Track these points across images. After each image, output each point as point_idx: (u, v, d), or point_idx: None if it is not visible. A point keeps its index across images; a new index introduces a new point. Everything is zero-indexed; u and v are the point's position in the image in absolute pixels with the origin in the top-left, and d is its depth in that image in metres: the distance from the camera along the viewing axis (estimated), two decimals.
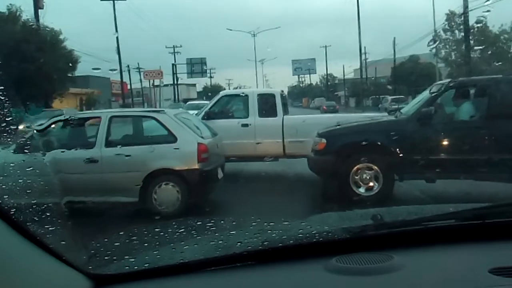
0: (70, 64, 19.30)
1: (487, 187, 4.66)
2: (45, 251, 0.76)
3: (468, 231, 1.02)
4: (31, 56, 15.65)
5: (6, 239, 0.70)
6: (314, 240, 0.98)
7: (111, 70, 24.02)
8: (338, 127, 5.50)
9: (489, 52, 24.79)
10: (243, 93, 8.05)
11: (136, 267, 0.94)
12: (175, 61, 38.13)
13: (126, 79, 32.00)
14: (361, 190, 4.96)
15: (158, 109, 6.07)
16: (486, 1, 12.59)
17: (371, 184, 4.93)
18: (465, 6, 16.40)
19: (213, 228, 1.22)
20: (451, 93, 5.37)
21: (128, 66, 32.16)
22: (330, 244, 0.97)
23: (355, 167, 4.92)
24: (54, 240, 0.83)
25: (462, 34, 20.87)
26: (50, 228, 0.89)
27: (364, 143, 4.97)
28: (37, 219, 0.89)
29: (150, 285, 0.88)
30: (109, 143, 4.66)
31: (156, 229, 1.06)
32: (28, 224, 0.77)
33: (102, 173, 4.53)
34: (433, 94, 5.31)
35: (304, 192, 5.32)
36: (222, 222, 1.34)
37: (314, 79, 61.44)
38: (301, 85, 68.37)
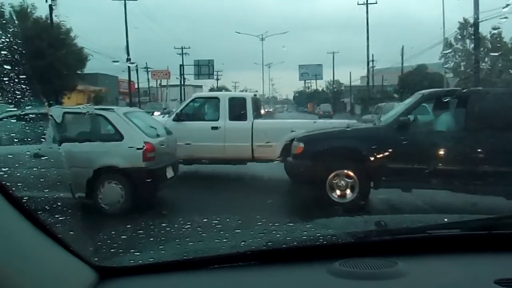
0: (80, 62, 19.53)
1: (494, 200, 4.59)
2: (54, 240, 0.77)
3: (474, 241, 1.01)
4: (43, 52, 15.86)
5: (17, 226, 0.71)
6: (318, 243, 0.98)
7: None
8: (316, 132, 5.52)
9: (500, 64, 24.58)
10: (214, 96, 8.12)
11: (140, 261, 0.95)
12: (182, 62, 38.39)
13: (134, 78, 32.27)
14: (338, 196, 4.96)
15: (108, 107, 6.12)
16: (504, 7, 12.49)
17: (347, 191, 4.99)
18: (476, 15, 16.31)
19: (219, 226, 1.23)
20: (430, 103, 5.45)
21: (136, 65, 32.43)
22: (334, 248, 0.97)
23: (332, 173, 4.94)
24: (63, 230, 0.85)
25: (473, 43, 20.73)
26: (60, 218, 0.90)
27: (341, 149, 5.00)
28: (48, 208, 0.90)
29: (153, 280, 0.89)
30: (57, 139, 4.67)
31: (163, 224, 1.07)
32: (38, 212, 0.79)
33: (48, 168, 4.59)
34: (412, 103, 5.37)
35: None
36: (227, 220, 1.34)
37: (321, 85, 61.48)
38: (307, 90, 68.36)
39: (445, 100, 5.34)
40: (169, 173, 5.15)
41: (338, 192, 4.97)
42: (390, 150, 4.86)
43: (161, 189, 5.13)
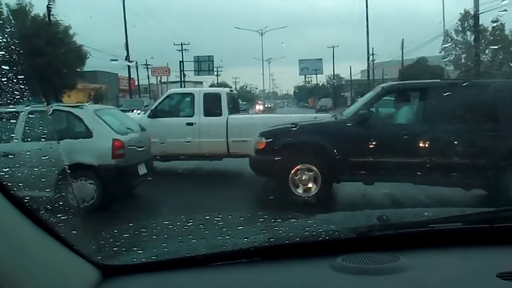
0: (79, 59, 19.48)
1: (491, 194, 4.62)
2: (56, 239, 0.77)
3: (475, 235, 1.01)
4: (42, 50, 15.82)
5: (19, 226, 0.71)
6: (321, 238, 0.98)
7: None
8: (279, 127, 5.49)
9: (501, 56, 24.42)
10: (189, 92, 8.07)
11: (143, 259, 0.95)
12: (182, 58, 38.28)
13: (133, 75, 32.19)
14: (300, 190, 4.99)
15: (78, 104, 6.13)
16: (503, 0, 12.42)
17: (309, 185, 5.01)
18: (476, 7, 16.16)
19: (221, 223, 1.23)
20: (391, 96, 5.43)
21: (136, 62, 32.32)
22: (336, 243, 0.98)
23: (295, 168, 4.96)
24: (66, 229, 0.85)
25: (473, 35, 20.60)
26: (62, 217, 0.91)
27: (302, 144, 5.01)
28: (50, 207, 0.91)
29: (157, 278, 0.89)
30: (25, 138, 4.55)
31: (165, 222, 1.07)
32: (41, 212, 0.79)
33: (17, 167, 4.53)
34: (372, 97, 5.38)
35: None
36: (230, 217, 1.35)
37: (321, 79, 61.28)
38: (307, 85, 68.16)
39: (406, 93, 5.40)
40: (142, 170, 5.16)
41: (300, 186, 4.98)
42: (350, 143, 4.93)
43: (134, 186, 5.13)
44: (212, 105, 7.24)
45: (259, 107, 39.70)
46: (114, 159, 4.69)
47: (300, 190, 4.99)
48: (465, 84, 5.67)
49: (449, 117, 4.86)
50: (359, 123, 4.92)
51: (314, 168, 4.97)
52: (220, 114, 7.17)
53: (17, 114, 4.79)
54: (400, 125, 5.18)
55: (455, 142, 4.75)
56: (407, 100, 5.38)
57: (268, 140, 5.12)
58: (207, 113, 7.18)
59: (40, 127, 5.20)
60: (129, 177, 4.90)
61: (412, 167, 4.72)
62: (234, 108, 7.95)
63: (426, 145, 4.74)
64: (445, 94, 5.01)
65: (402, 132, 4.92)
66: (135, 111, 14.43)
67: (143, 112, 8.42)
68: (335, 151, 4.90)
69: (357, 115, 5.03)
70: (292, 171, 4.96)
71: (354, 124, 4.96)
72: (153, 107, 7.52)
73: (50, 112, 5.23)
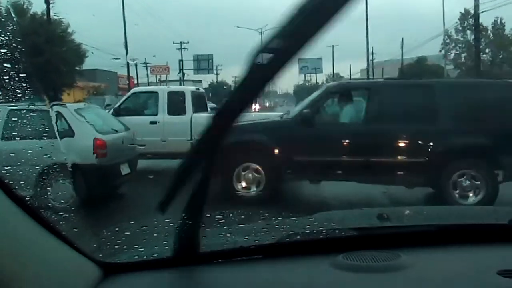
0: (78, 58, 19.44)
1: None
2: (57, 237, 0.77)
3: (477, 232, 1.01)
4: (41, 48, 15.79)
5: (21, 224, 0.71)
6: (321, 236, 0.98)
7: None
8: None
9: (501, 56, 24.43)
10: (153, 90, 7.99)
11: (145, 257, 0.95)
12: (182, 57, 38.22)
13: (133, 74, 32.15)
14: (244, 190, 5.04)
15: (59, 102, 6.07)
16: None
17: (254, 184, 5.07)
18: (477, 6, 16.16)
19: (222, 221, 1.23)
20: (335, 95, 5.50)
21: (135, 60, 32.24)
22: (337, 241, 0.98)
23: (239, 167, 5.06)
24: (67, 227, 0.85)
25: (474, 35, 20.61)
26: (64, 215, 0.91)
27: (247, 143, 4.97)
28: (51, 205, 0.91)
29: (158, 275, 0.89)
30: (5, 136, 4.58)
31: (167, 220, 1.08)
32: (42, 210, 0.79)
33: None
34: (316, 96, 5.47)
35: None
36: (231, 215, 1.35)
37: (321, 78, 61.28)
38: (307, 84, 68.13)
39: (350, 93, 5.47)
40: (125, 169, 5.11)
41: (245, 185, 5.02)
42: (294, 143, 5.00)
43: (117, 186, 5.10)
44: (176, 103, 7.17)
45: (254, 106, 39.40)
46: (97, 159, 4.64)
47: (244, 189, 5.01)
48: (408, 83, 5.82)
49: (392, 117, 4.96)
50: (302, 123, 4.96)
51: (258, 167, 5.00)
52: (184, 113, 7.10)
53: None
54: (343, 125, 5.24)
55: (398, 141, 4.87)
56: (351, 99, 5.51)
57: None
58: (171, 111, 7.11)
59: (22, 126, 5.14)
60: (111, 177, 4.86)
61: (355, 166, 4.82)
62: (201, 107, 7.85)
63: (369, 144, 4.82)
64: (389, 93, 5.12)
65: (345, 131, 5.04)
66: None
67: (106, 111, 8.40)
68: (278, 150, 4.95)
69: (300, 114, 5.08)
70: (236, 170, 4.99)
71: (297, 123, 5.01)
72: (116, 106, 7.48)
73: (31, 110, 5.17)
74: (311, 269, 0.89)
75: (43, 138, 4.65)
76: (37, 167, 4.45)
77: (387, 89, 5.29)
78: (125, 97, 7.84)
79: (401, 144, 4.87)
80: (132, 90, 8.25)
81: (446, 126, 4.83)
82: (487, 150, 4.79)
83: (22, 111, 5.39)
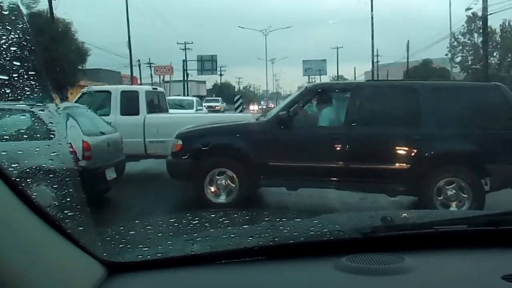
0: (81, 57, 19.52)
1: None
2: (63, 236, 0.78)
3: (481, 237, 1.01)
4: (45, 47, 15.89)
5: (27, 222, 0.72)
6: (325, 238, 0.98)
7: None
8: (196, 128, 5.20)
9: (509, 59, 24.24)
10: (106, 89, 7.71)
11: (149, 257, 0.96)
12: (185, 57, 38.32)
13: (136, 74, 32.29)
14: (215, 197, 4.65)
15: (41, 103, 5.99)
16: None
17: (227, 190, 4.66)
18: (485, 8, 16.02)
19: (226, 222, 1.24)
20: (314, 96, 5.12)
21: (139, 60, 32.42)
22: (341, 243, 0.98)
23: (211, 172, 4.65)
24: (72, 226, 0.85)
25: (481, 38, 20.45)
26: (69, 214, 0.91)
27: (219, 147, 4.72)
28: (57, 203, 0.91)
29: (161, 275, 0.89)
30: None
31: (171, 220, 1.08)
32: (48, 208, 0.79)
33: None
34: (294, 97, 5.16)
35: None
36: (235, 216, 1.35)
37: (325, 80, 61.20)
38: None
39: (329, 94, 5.12)
40: (111, 174, 4.85)
41: (216, 192, 4.67)
42: (269, 147, 4.65)
43: (102, 192, 4.85)
44: (129, 103, 6.96)
45: (254, 107, 38.49)
46: (79, 162, 4.42)
47: (215, 196, 4.67)
48: (391, 85, 5.54)
49: (373, 120, 4.65)
50: (279, 125, 4.60)
51: (231, 172, 4.63)
52: (137, 113, 6.90)
53: None
54: (322, 128, 4.89)
55: (379, 146, 4.53)
56: (330, 101, 5.10)
57: (184, 142, 4.78)
58: (124, 112, 6.91)
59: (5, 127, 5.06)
60: (95, 181, 4.55)
61: (333, 172, 4.51)
62: (158, 108, 7.59)
63: (349, 149, 4.51)
64: (370, 95, 4.79)
65: (323, 135, 4.69)
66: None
67: None
68: (253, 154, 4.58)
69: (277, 116, 4.71)
70: (208, 176, 4.64)
71: (273, 126, 4.63)
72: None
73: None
74: (315, 270, 0.89)
75: (23, 139, 4.55)
76: (12, 171, 4.31)
77: (368, 91, 4.92)
78: (77, 96, 7.56)
79: (383, 149, 4.51)
80: (84, 89, 7.91)
81: (431, 131, 4.48)
82: (473, 157, 4.43)
83: (3, 111, 5.30)
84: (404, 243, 0.98)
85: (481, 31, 19.25)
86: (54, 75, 15.83)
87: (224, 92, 42.89)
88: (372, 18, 28.78)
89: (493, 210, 1.13)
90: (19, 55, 0.76)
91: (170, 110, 9.05)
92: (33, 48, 0.83)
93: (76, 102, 7.20)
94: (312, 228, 1.05)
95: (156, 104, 7.68)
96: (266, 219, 1.24)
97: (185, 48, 38.60)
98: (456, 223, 1.07)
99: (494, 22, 22.43)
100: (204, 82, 50.38)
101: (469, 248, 0.97)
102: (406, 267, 0.87)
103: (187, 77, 39.00)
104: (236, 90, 53.79)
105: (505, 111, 4.51)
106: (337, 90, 5.42)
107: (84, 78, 22.52)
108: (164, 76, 38.22)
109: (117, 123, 6.66)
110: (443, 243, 0.98)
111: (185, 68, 38.07)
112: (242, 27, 48.50)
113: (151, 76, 38.22)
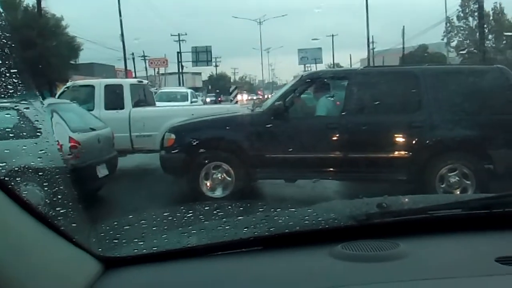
0: (73, 51, 19.24)
1: None
2: (56, 233, 0.78)
3: (475, 220, 1.01)
4: (33, 42, 15.58)
5: (19, 220, 0.71)
6: (320, 226, 0.99)
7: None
8: (189, 121, 5.06)
9: (504, 42, 24.16)
10: (89, 83, 7.55)
11: (144, 251, 0.96)
12: (180, 49, 37.90)
13: (130, 67, 31.95)
14: (212, 191, 4.55)
15: (25, 100, 5.85)
16: None
17: (222, 184, 4.56)
18: None
19: (221, 214, 1.24)
20: (309, 85, 5.00)
21: (132, 53, 32.05)
22: (336, 231, 0.98)
23: (206, 166, 4.53)
24: (65, 223, 0.85)
25: (476, 21, 20.29)
26: (62, 211, 0.91)
27: (213, 140, 4.60)
28: (48, 201, 0.91)
29: (158, 268, 0.90)
30: None
31: (165, 214, 1.08)
32: (40, 206, 0.79)
33: None
34: (289, 87, 4.96)
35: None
36: (229, 207, 1.35)
37: (321, 68, 60.86)
38: None
39: (325, 82, 4.97)
40: (102, 171, 4.71)
41: (212, 185, 4.55)
42: (265, 138, 4.48)
43: (93, 190, 4.73)
44: (113, 97, 6.82)
45: (241, 97, 36.39)
46: (68, 160, 4.29)
47: (211, 191, 4.56)
48: (390, 71, 5.24)
49: (372, 108, 4.50)
50: (275, 116, 4.45)
51: (227, 166, 4.52)
52: (122, 107, 6.77)
53: None
54: (319, 117, 4.72)
55: (379, 135, 4.40)
56: (326, 89, 4.94)
57: (177, 136, 4.66)
58: (108, 106, 6.77)
59: None
60: (85, 179, 4.40)
61: (332, 163, 4.39)
62: (144, 101, 7.47)
63: (347, 138, 4.36)
64: (368, 82, 4.63)
65: (321, 125, 4.55)
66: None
67: None
68: (249, 146, 4.47)
69: (272, 107, 4.57)
70: (203, 170, 4.52)
71: (269, 117, 4.47)
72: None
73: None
74: (310, 259, 0.90)
75: (9, 138, 4.44)
76: (3, 171, 4.23)
77: (366, 78, 4.74)
78: (60, 91, 7.39)
79: (383, 137, 4.37)
80: (68, 84, 7.75)
81: (432, 117, 4.35)
82: (476, 143, 4.31)
83: None
84: (399, 229, 0.98)
85: (476, 13, 19.10)
86: (43, 71, 15.57)
87: (219, 83, 42.56)
88: (366, 4, 28.53)
89: (487, 194, 1.13)
90: None
91: (164, 103, 8.90)
92: (13, 45, 0.81)
93: (58, 97, 7.02)
94: (307, 217, 1.05)
95: (142, 98, 7.56)
96: (260, 209, 1.24)
97: (179, 40, 38.16)
98: (450, 208, 1.07)
99: (487, 5, 22.25)
100: (200, 73, 49.97)
101: (463, 232, 0.98)
102: (401, 253, 0.88)
103: (182, 69, 38.68)
104: (232, 81, 53.47)
105: (509, 95, 4.35)
106: (333, 78, 5.27)
107: (77, 73, 22.27)
108: (159, 69, 37.87)
109: (101, 118, 6.51)
110: (437, 227, 0.98)
111: (179, 60, 37.71)
112: (236, 17, 47.94)
113: (146, 69, 37.88)
